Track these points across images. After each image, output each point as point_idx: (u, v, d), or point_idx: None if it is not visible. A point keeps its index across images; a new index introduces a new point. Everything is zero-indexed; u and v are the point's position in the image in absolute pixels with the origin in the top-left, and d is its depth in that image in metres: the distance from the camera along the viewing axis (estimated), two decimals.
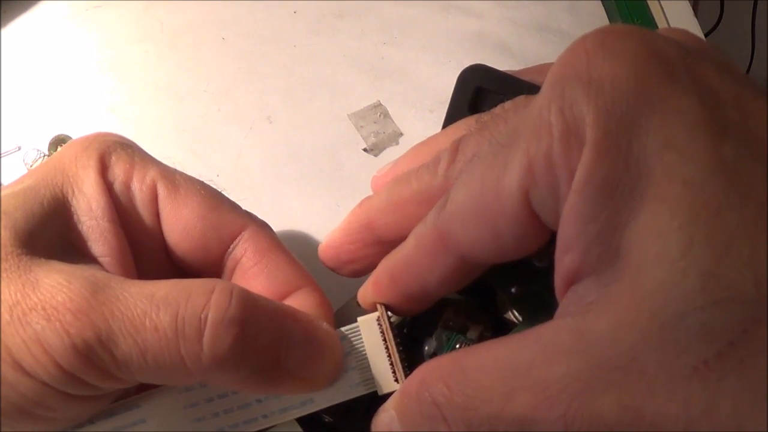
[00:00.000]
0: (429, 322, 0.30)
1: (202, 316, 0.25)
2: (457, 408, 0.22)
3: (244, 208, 0.32)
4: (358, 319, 0.28)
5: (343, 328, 0.28)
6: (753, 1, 0.94)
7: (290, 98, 0.47)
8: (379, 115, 0.46)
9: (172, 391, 0.28)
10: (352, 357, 0.28)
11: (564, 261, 0.20)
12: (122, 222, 0.29)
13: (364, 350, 0.28)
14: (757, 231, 0.18)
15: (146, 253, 0.30)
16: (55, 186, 0.28)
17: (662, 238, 0.18)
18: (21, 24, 0.48)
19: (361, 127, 0.46)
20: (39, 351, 0.24)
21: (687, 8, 0.52)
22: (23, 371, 0.24)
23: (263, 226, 0.31)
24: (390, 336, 0.28)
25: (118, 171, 0.29)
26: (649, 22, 0.51)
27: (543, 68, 0.34)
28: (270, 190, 0.44)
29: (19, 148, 0.44)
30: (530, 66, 0.36)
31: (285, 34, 0.49)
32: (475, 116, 0.30)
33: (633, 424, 0.18)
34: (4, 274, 0.25)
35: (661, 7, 0.52)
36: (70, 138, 0.44)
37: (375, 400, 0.27)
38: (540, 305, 0.28)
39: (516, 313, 0.29)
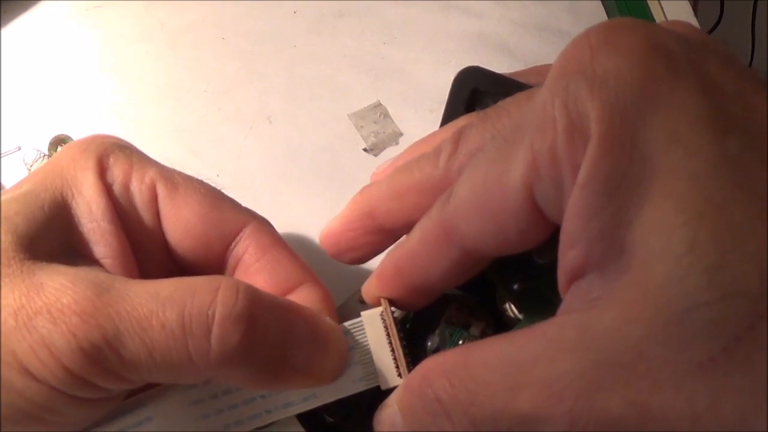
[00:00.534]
0: (432, 319, 0.30)
1: (210, 312, 0.25)
2: (461, 404, 0.22)
3: None
4: (362, 313, 0.28)
5: (346, 323, 0.28)
6: (753, 1, 0.94)
7: (290, 98, 0.47)
8: (379, 115, 0.46)
9: (177, 389, 0.28)
10: (355, 352, 0.28)
11: (568, 256, 0.20)
12: (123, 223, 0.29)
13: (368, 345, 0.28)
14: (762, 225, 0.18)
15: (148, 253, 0.30)
16: (55, 189, 0.28)
17: (667, 234, 0.18)
18: (21, 24, 0.48)
19: (361, 127, 0.46)
20: (46, 355, 0.24)
21: (687, 8, 0.52)
22: (31, 376, 0.24)
23: (264, 223, 0.31)
24: (393, 331, 0.28)
25: (116, 172, 0.29)
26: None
27: (539, 70, 0.34)
28: (270, 190, 0.43)
29: (19, 148, 0.44)
30: (530, 66, 0.36)
31: (285, 34, 0.49)
32: (473, 113, 0.30)
33: (639, 419, 0.18)
34: (7, 279, 0.25)
35: (661, 7, 0.52)
36: (70, 138, 0.44)
37: (377, 397, 0.27)
38: (542, 302, 0.27)
39: (514, 309, 0.29)
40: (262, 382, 0.27)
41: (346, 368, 0.28)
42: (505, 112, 0.26)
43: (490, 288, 0.30)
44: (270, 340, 0.26)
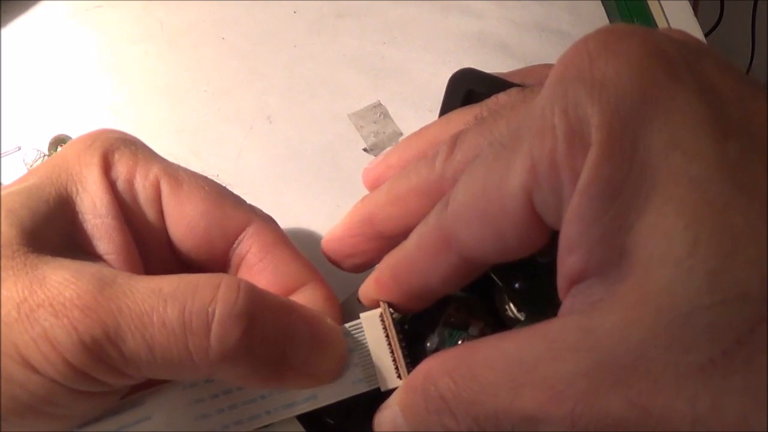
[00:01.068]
0: (430, 319, 0.30)
1: (210, 310, 0.25)
2: (464, 403, 0.22)
3: None
4: (361, 315, 0.28)
5: (346, 325, 0.28)
6: (753, 1, 0.94)
7: (290, 98, 0.47)
8: (379, 115, 0.46)
9: (177, 388, 0.28)
10: (355, 353, 0.28)
11: (567, 262, 0.20)
12: (127, 219, 0.29)
13: (367, 346, 0.28)
14: (763, 229, 0.18)
15: (152, 249, 0.30)
16: (60, 184, 0.28)
17: (668, 238, 0.18)
18: (21, 24, 0.48)
19: (361, 127, 0.46)
20: (47, 348, 0.24)
21: (687, 8, 0.52)
22: (32, 369, 0.24)
23: (268, 221, 0.31)
24: (393, 332, 0.28)
25: (121, 168, 0.29)
26: (649, 22, 0.51)
27: (533, 70, 0.34)
28: (270, 190, 0.43)
29: (19, 148, 0.44)
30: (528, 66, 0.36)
31: (285, 34, 0.49)
32: (467, 107, 0.30)
33: (640, 421, 0.18)
34: (10, 272, 0.25)
35: (661, 7, 0.52)
36: (70, 138, 0.44)
37: (377, 399, 0.27)
38: (543, 301, 0.28)
39: (514, 309, 0.29)
40: (262, 380, 0.27)
41: (346, 370, 0.28)
42: (502, 118, 0.26)
43: (489, 288, 0.30)
44: (270, 339, 0.26)
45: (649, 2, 0.52)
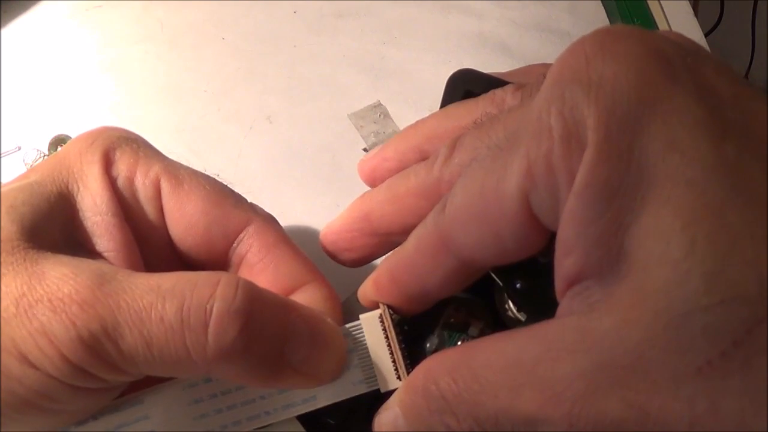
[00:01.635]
0: (430, 320, 0.30)
1: (208, 307, 0.25)
2: (465, 403, 0.22)
3: None
4: (360, 316, 0.28)
5: (346, 325, 0.28)
6: (753, 1, 0.94)
7: (290, 98, 0.47)
8: (379, 115, 0.46)
9: (176, 387, 0.28)
10: (355, 354, 0.28)
11: (564, 263, 0.20)
12: (127, 217, 0.29)
13: (367, 347, 0.28)
14: (760, 230, 0.18)
15: (152, 247, 0.30)
16: (61, 182, 0.28)
17: (665, 239, 0.18)
18: (21, 24, 0.48)
19: (361, 127, 0.46)
20: (45, 343, 0.24)
21: (687, 8, 0.52)
22: (29, 364, 0.24)
23: (269, 220, 0.31)
24: (392, 333, 0.28)
25: (121, 166, 0.29)
26: (649, 22, 0.51)
27: (530, 70, 0.34)
28: (270, 190, 0.44)
29: (19, 148, 0.44)
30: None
31: (285, 34, 0.49)
32: (464, 101, 0.30)
33: (638, 421, 0.18)
34: (10, 267, 0.25)
35: (661, 7, 0.52)
36: (71, 138, 0.44)
37: (377, 400, 0.27)
38: (544, 301, 0.28)
39: (514, 309, 0.29)
40: (260, 379, 0.27)
41: (345, 370, 0.28)
42: (500, 121, 0.26)
43: (489, 288, 0.30)
44: (268, 337, 0.26)
45: (649, 2, 0.52)
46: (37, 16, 0.49)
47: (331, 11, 0.50)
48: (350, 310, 0.30)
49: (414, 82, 0.48)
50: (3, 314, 0.24)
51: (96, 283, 0.25)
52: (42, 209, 0.27)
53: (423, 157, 0.30)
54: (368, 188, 0.32)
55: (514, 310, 0.30)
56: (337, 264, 0.32)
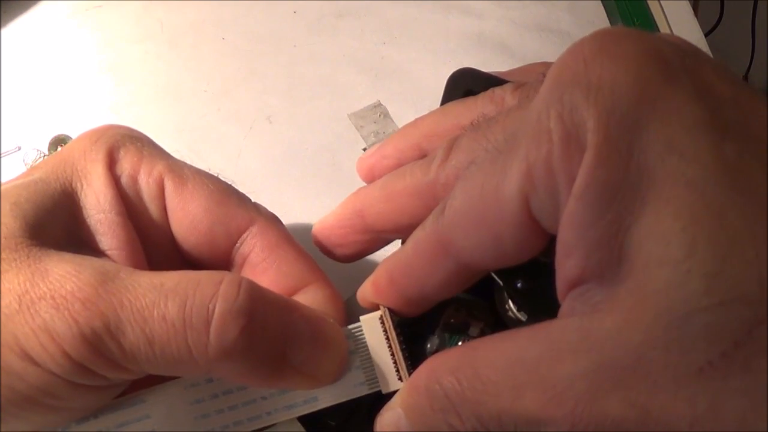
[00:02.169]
0: (430, 320, 0.30)
1: (210, 306, 0.25)
2: (468, 402, 0.22)
3: None
4: (361, 318, 0.28)
5: (348, 327, 0.28)
6: (753, 1, 0.94)
7: (290, 98, 0.47)
8: (379, 115, 0.46)
9: (177, 387, 0.28)
10: (356, 356, 0.28)
11: (565, 266, 0.20)
12: (130, 215, 0.29)
13: (368, 349, 0.28)
14: (761, 231, 0.18)
15: (155, 246, 0.30)
16: (65, 179, 0.28)
17: (665, 240, 0.18)
18: (21, 24, 0.48)
19: (361, 127, 0.46)
20: (47, 340, 0.24)
21: (687, 8, 0.52)
22: (31, 360, 0.24)
23: (273, 220, 0.31)
24: (393, 335, 0.28)
25: (125, 165, 0.29)
26: (649, 22, 0.51)
27: (530, 69, 0.34)
28: (270, 190, 0.44)
29: (19, 148, 0.44)
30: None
31: (285, 34, 0.49)
32: (464, 99, 0.30)
33: (639, 421, 0.18)
34: (13, 264, 0.25)
35: (661, 7, 0.52)
36: (70, 138, 0.44)
37: (378, 401, 0.27)
38: (545, 301, 0.27)
39: (514, 309, 0.29)
40: (261, 379, 0.27)
41: (347, 372, 0.28)
42: (498, 123, 0.26)
43: (490, 288, 0.30)
44: (270, 337, 0.26)
45: (649, 2, 0.52)
46: (37, 16, 0.49)
47: (331, 11, 0.50)
48: (351, 309, 0.30)
49: (414, 82, 0.48)
50: (5, 310, 0.24)
51: (99, 280, 0.25)
52: (45, 206, 0.27)
53: (422, 155, 0.30)
54: (363, 182, 0.32)
55: (515, 310, 0.30)
56: (341, 264, 0.32)
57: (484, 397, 0.21)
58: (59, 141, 0.44)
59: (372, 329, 0.28)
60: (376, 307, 0.28)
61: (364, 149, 0.45)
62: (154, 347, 0.24)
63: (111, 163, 0.29)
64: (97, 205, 0.28)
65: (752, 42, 0.96)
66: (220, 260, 0.31)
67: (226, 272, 0.27)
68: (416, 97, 0.47)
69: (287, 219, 0.37)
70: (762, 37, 0.95)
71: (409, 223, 0.27)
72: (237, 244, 0.30)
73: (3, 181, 0.42)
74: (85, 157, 0.29)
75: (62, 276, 0.25)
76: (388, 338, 0.28)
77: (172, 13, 0.50)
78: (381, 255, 0.30)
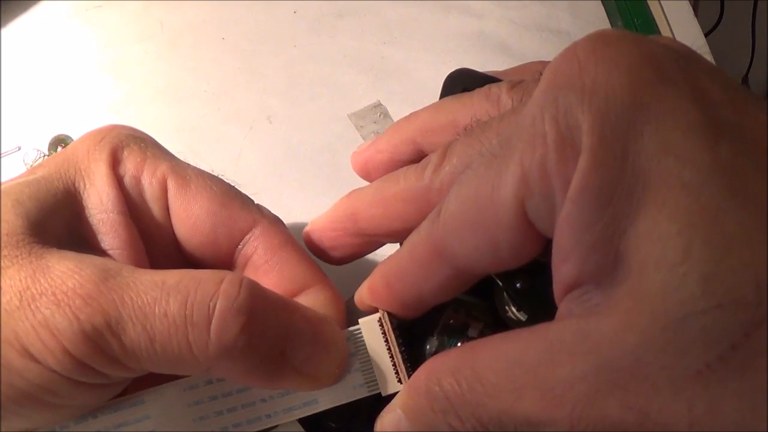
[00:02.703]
0: (429, 321, 0.29)
1: (211, 304, 0.25)
2: (468, 403, 0.22)
3: None
4: (360, 320, 0.28)
5: (349, 329, 0.28)
6: (753, 1, 0.94)
7: (290, 98, 0.47)
8: (379, 115, 0.46)
9: (177, 388, 0.28)
10: (356, 358, 0.28)
11: (562, 269, 0.21)
12: (133, 215, 0.29)
13: (368, 351, 0.28)
14: (757, 233, 0.18)
15: (157, 246, 0.30)
16: (68, 178, 0.28)
17: (662, 243, 0.18)
18: (21, 24, 0.48)
19: (361, 127, 0.46)
20: (48, 336, 0.24)
21: (687, 8, 0.52)
22: (31, 357, 0.24)
23: (275, 222, 0.31)
24: (392, 337, 0.28)
25: (128, 165, 0.29)
26: (649, 22, 0.51)
27: (526, 68, 0.34)
28: (270, 190, 0.44)
29: (19, 148, 0.44)
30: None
31: (285, 34, 0.49)
32: (458, 95, 0.30)
33: (638, 424, 0.18)
34: (15, 260, 0.25)
35: (661, 7, 0.52)
36: (70, 138, 0.44)
37: (378, 402, 0.27)
38: (545, 301, 0.27)
39: (514, 309, 0.29)
40: (261, 378, 0.27)
41: (347, 374, 0.28)
42: (492, 127, 0.26)
43: (489, 288, 0.30)
44: (270, 336, 0.26)
45: (649, 2, 0.52)
46: (37, 16, 0.49)
47: (331, 11, 0.50)
48: (351, 311, 0.30)
49: (414, 82, 0.48)
50: (6, 307, 0.24)
51: (100, 277, 0.25)
52: (48, 205, 0.27)
53: (416, 150, 0.30)
54: (362, 181, 0.32)
55: (515, 311, 0.30)
56: (336, 266, 0.32)
57: (484, 398, 0.21)
58: (59, 141, 0.44)
59: (371, 332, 0.28)
60: (374, 310, 0.28)
61: None
62: (154, 344, 0.25)
63: (114, 163, 0.29)
64: (100, 205, 0.28)
65: (752, 42, 0.96)
66: (223, 262, 0.31)
67: (228, 271, 0.27)
68: (416, 97, 0.47)
69: (287, 219, 0.37)
70: (762, 37, 0.95)
71: (402, 228, 0.27)
72: (239, 246, 0.30)
73: (2, 181, 0.42)
74: (88, 157, 0.29)
75: (63, 273, 0.25)
76: (387, 340, 0.28)
77: (172, 13, 0.50)
78: (381, 255, 0.30)
